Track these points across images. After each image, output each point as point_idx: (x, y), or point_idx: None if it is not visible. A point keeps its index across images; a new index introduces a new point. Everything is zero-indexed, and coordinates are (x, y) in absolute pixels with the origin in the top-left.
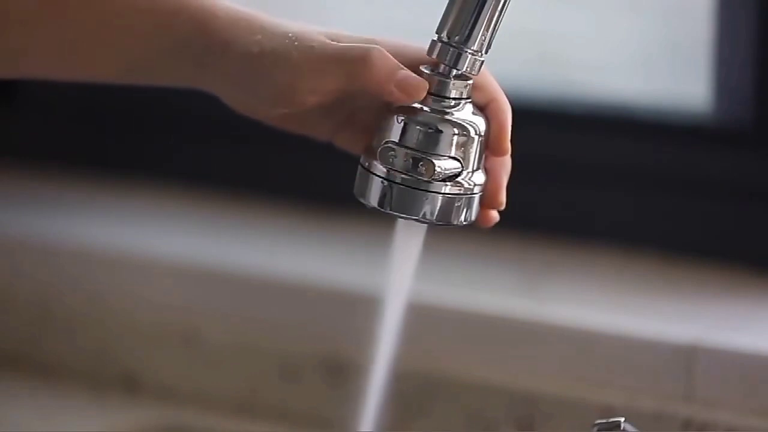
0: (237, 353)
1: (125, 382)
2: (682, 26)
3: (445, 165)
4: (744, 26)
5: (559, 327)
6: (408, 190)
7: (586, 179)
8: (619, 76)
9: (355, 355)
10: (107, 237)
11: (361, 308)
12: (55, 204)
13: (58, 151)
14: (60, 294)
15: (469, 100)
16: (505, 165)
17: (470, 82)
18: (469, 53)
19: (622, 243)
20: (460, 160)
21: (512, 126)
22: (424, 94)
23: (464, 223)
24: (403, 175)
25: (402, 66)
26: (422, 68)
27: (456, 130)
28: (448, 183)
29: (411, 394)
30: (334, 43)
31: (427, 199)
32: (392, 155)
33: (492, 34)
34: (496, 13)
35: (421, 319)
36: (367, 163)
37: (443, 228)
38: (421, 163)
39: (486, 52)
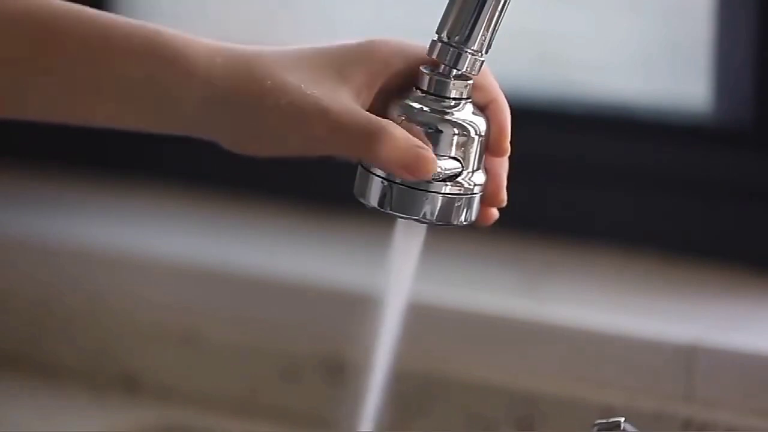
0: (237, 353)
1: (125, 382)
2: (682, 26)
3: (445, 165)
4: (744, 26)
5: (559, 327)
6: (408, 190)
7: (586, 179)
8: (619, 76)
9: (355, 355)
10: (107, 237)
11: (361, 308)
12: (55, 204)
13: (58, 151)
14: (60, 294)
15: (470, 100)
16: (503, 164)
17: (470, 82)
18: (470, 53)
19: (622, 243)
20: (460, 160)
21: (512, 126)
22: (434, 170)
23: (464, 223)
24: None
25: (413, 140)
26: (422, 68)
27: (456, 130)
28: (448, 183)
29: (411, 394)
30: (346, 105)
31: (427, 199)
32: None
33: (492, 34)
34: (497, 13)
35: (421, 319)
36: (367, 163)
37: (443, 228)
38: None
39: (486, 52)
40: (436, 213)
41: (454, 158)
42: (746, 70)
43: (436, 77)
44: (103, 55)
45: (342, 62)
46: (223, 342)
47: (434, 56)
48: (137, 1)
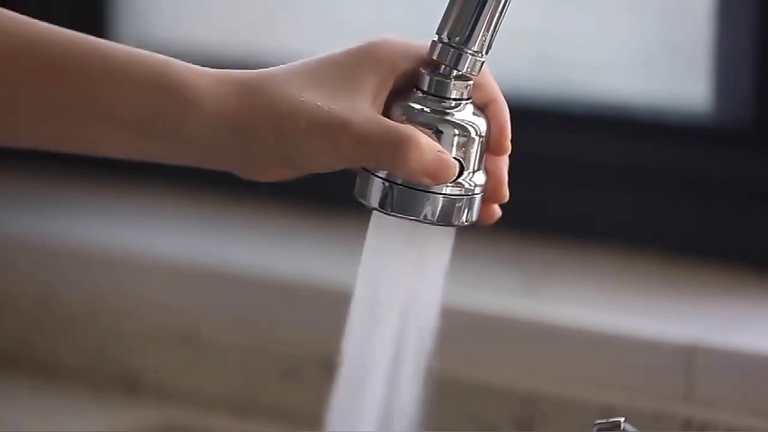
0: (237, 353)
1: (125, 382)
2: (682, 26)
3: None
4: (744, 26)
5: (559, 327)
6: (409, 191)
7: (586, 179)
8: (619, 76)
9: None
10: (107, 237)
11: None
12: (55, 204)
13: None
14: (60, 294)
15: (470, 101)
16: (504, 160)
17: (471, 82)
18: (470, 54)
19: (622, 243)
20: (461, 160)
21: (512, 126)
22: (454, 175)
23: (465, 223)
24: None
25: (436, 146)
26: (422, 69)
27: (457, 131)
28: (449, 183)
29: None
30: (367, 115)
31: (428, 199)
32: None
33: (492, 34)
34: (497, 14)
35: None
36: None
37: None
38: None
39: (486, 53)
40: (437, 214)
41: (454, 159)
42: (746, 70)
43: (437, 78)
44: (105, 85)
45: (352, 69)
46: (223, 342)
47: (434, 57)
48: (137, 1)
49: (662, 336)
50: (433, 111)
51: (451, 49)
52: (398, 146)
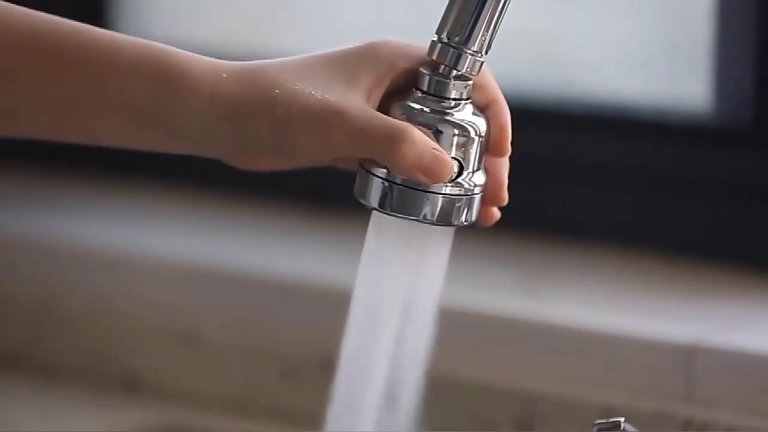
0: (237, 353)
1: (125, 382)
2: (682, 26)
3: None
4: (744, 26)
5: (559, 327)
6: (408, 191)
7: (586, 179)
8: (619, 76)
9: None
10: (107, 237)
11: None
12: (55, 204)
13: (58, 151)
14: (60, 294)
15: (470, 101)
16: (504, 163)
17: (470, 82)
18: (469, 54)
19: (622, 243)
20: (461, 160)
21: (512, 126)
22: (451, 173)
23: (465, 223)
24: (403, 176)
25: (431, 143)
26: (422, 69)
27: (456, 131)
28: (448, 184)
29: None
30: (361, 107)
31: (427, 199)
32: None
33: (492, 34)
34: (496, 14)
35: None
36: (367, 164)
37: (444, 228)
38: None
39: (486, 53)
40: (437, 213)
41: (454, 159)
42: (746, 70)
43: (436, 78)
44: (108, 75)
45: (349, 66)
46: (223, 342)
47: (434, 57)
48: (137, 1)
49: (662, 336)
50: (432, 111)
51: (451, 49)
52: (392, 139)
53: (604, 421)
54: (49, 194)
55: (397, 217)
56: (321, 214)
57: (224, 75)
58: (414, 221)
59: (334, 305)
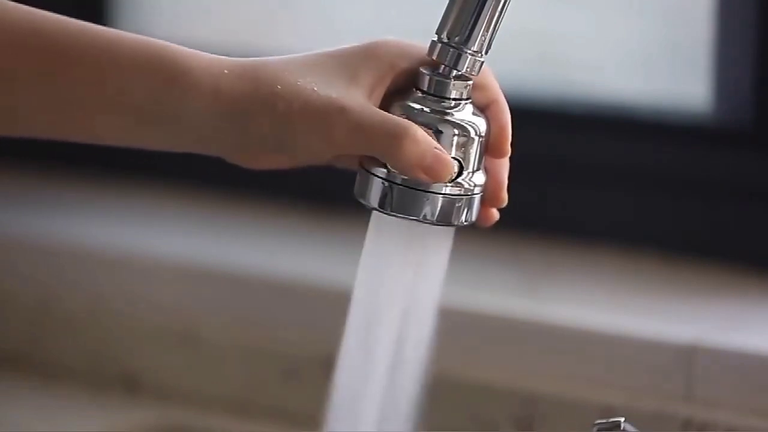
0: (237, 353)
1: (125, 382)
2: (682, 26)
3: None
4: (744, 26)
5: (559, 327)
6: (408, 191)
7: (586, 179)
8: (619, 76)
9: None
10: (107, 237)
11: None
12: (55, 204)
13: (58, 151)
14: (60, 294)
15: (470, 101)
16: (504, 164)
17: (470, 82)
18: (469, 54)
19: (622, 243)
20: (461, 160)
21: (512, 126)
22: (452, 173)
23: (465, 223)
24: (403, 176)
25: (433, 143)
26: (422, 69)
27: (456, 131)
28: (448, 183)
29: None
30: (363, 104)
31: (427, 199)
32: None
33: (492, 34)
34: (496, 14)
35: None
36: (367, 164)
37: (444, 228)
38: None
39: (486, 53)
40: (437, 213)
41: (454, 158)
42: (746, 70)
43: (436, 78)
44: (109, 72)
45: (350, 64)
46: (223, 342)
47: (434, 57)
48: (137, 1)
49: (662, 336)
50: (432, 111)
51: (451, 49)
52: (394, 136)
53: (604, 421)
54: (49, 194)
55: (397, 217)
56: (321, 214)
57: (225, 71)
58: (414, 221)
59: (334, 305)
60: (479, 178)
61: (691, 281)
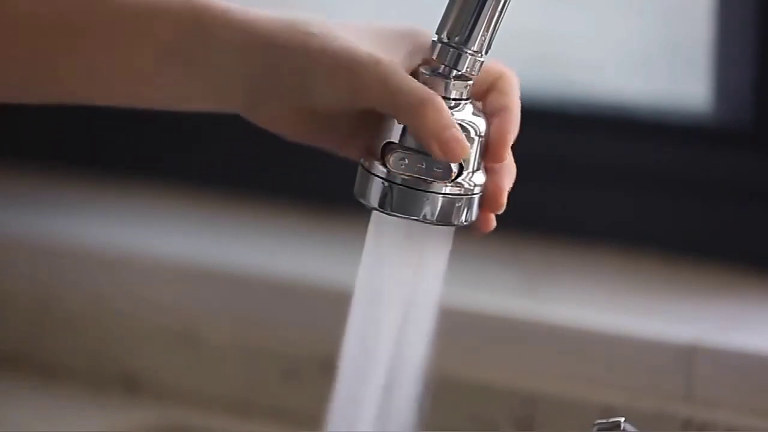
0: (237, 353)
1: (125, 382)
2: (682, 26)
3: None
4: (744, 26)
5: (559, 327)
6: (408, 191)
7: (586, 179)
8: (619, 76)
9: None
10: (107, 237)
11: None
12: (55, 204)
13: (58, 151)
14: (60, 294)
15: (470, 101)
16: (509, 169)
17: (470, 82)
18: (469, 54)
19: (622, 243)
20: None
21: None
22: (465, 156)
23: (465, 223)
24: (403, 176)
25: (455, 123)
26: (422, 69)
27: None
28: (448, 183)
29: None
30: (396, 64)
31: (427, 199)
32: (402, 162)
33: (492, 34)
34: (496, 14)
35: None
36: (367, 164)
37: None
38: (437, 166)
39: (486, 53)
40: (437, 213)
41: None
42: (746, 70)
43: (436, 78)
44: (144, 15)
45: (387, 37)
46: (223, 342)
47: (434, 57)
48: None
49: (662, 336)
50: None
51: (451, 49)
52: (421, 101)
53: (604, 421)
54: (49, 194)
55: (397, 217)
56: (321, 214)
57: (260, 13)
58: (414, 221)
59: (334, 305)
60: (479, 177)
61: (691, 281)
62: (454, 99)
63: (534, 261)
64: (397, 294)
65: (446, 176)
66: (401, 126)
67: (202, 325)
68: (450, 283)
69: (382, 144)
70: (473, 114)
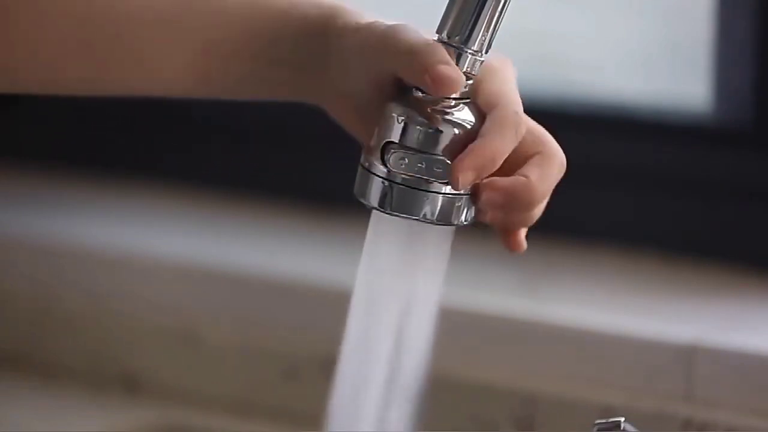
0: (237, 353)
1: (125, 382)
2: (682, 26)
3: (460, 115)
4: (744, 26)
5: (559, 327)
6: (408, 190)
7: (586, 179)
8: (619, 76)
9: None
10: (107, 237)
11: None
12: (55, 204)
13: (58, 151)
14: (60, 294)
15: (469, 101)
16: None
17: (470, 82)
18: (470, 53)
19: (622, 243)
20: None
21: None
22: (459, 87)
23: (465, 223)
24: (403, 175)
25: (446, 59)
26: None
27: (456, 131)
28: (448, 183)
29: None
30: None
31: (427, 199)
32: (402, 162)
33: (492, 34)
34: (497, 14)
35: None
36: (367, 163)
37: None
38: (437, 166)
39: (486, 53)
40: (437, 213)
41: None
42: (746, 70)
43: None
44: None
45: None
46: (223, 342)
47: None
48: None
49: (662, 336)
50: (432, 110)
51: (451, 49)
52: (421, 38)
53: (604, 421)
54: (49, 194)
55: (397, 216)
56: (321, 214)
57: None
58: (414, 221)
59: (334, 305)
60: None
61: (691, 281)
62: (455, 99)
63: (534, 261)
64: (396, 294)
65: (446, 176)
66: (401, 126)
67: (202, 325)
68: (450, 283)
69: (382, 143)
70: (473, 114)
